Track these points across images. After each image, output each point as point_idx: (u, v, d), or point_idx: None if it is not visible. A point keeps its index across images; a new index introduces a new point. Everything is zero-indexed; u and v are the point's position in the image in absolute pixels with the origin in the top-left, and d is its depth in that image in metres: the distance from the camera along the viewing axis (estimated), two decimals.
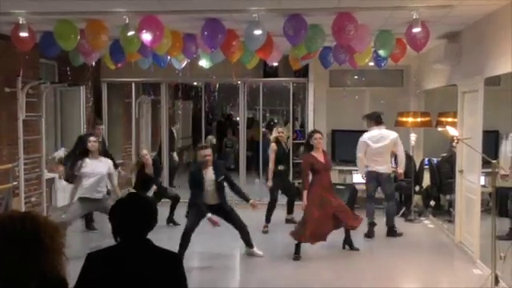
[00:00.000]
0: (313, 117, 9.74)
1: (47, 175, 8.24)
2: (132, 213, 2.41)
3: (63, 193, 8.50)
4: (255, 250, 6.56)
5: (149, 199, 2.54)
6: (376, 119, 7.76)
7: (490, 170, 5.08)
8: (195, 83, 11.42)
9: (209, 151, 6.42)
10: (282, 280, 5.88)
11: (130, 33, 5.84)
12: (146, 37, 5.64)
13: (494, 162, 5.00)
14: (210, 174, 6.31)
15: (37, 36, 6.32)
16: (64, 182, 8.54)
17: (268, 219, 7.91)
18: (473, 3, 5.28)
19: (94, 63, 8.10)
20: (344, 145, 9.45)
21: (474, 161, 6.30)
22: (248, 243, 6.54)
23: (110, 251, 2.40)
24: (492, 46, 5.76)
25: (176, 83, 11.42)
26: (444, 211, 8.60)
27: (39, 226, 2.22)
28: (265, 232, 7.75)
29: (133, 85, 10.18)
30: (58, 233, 2.26)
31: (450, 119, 8.08)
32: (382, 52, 6.71)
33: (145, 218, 2.42)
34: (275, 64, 8.71)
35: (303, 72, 9.45)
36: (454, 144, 7.21)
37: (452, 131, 5.81)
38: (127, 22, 5.76)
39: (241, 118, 10.14)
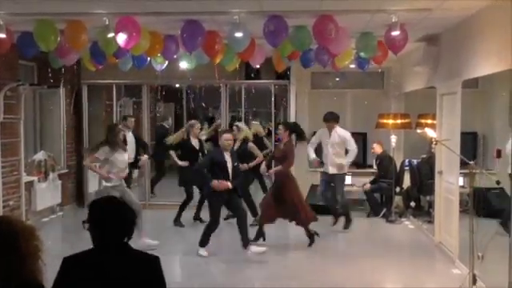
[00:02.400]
0: (295, 118, 9.77)
1: (26, 178, 8.12)
2: (115, 217, 2.36)
3: (42, 196, 8.40)
4: (254, 247, 6.50)
5: (126, 204, 2.50)
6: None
7: (468, 170, 5.15)
8: (177, 85, 11.36)
9: (230, 136, 6.75)
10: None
11: (110, 34, 5.80)
12: (121, 37, 5.59)
13: (471, 163, 5.08)
14: (229, 159, 6.57)
15: (14, 36, 6.23)
16: (43, 185, 8.44)
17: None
18: (450, 7, 5.37)
19: (74, 65, 8.03)
20: None
21: (452, 162, 6.39)
22: (244, 238, 6.47)
23: (88, 255, 2.36)
24: (469, 48, 5.85)
25: (158, 85, 11.35)
26: (424, 212, 8.70)
27: (15, 229, 2.19)
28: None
29: (114, 87, 10.10)
30: (34, 237, 2.24)
31: (429, 121, 8.20)
32: (363, 54, 6.76)
33: (126, 223, 2.39)
34: (257, 66, 8.73)
35: (285, 74, 9.49)
36: (432, 145, 7.32)
37: (430, 133, 5.90)
38: (107, 23, 5.71)
39: (223, 120, 10.14)
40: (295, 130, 7.28)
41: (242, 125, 8.49)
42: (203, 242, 6.61)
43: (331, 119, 7.94)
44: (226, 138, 6.60)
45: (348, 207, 7.99)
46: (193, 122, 8.68)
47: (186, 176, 8.14)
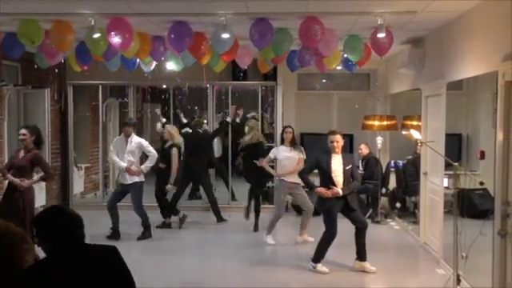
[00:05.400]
0: (281, 120, 9.79)
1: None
2: (69, 221, 2.37)
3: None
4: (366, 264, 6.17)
5: (68, 208, 2.52)
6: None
7: (452, 172, 5.19)
8: (164, 86, 11.32)
9: (338, 137, 6.06)
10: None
11: (96, 35, 5.76)
12: (116, 40, 5.56)
13: (455, 164, 5.13)
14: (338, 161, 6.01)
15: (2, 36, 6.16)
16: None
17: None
18: (435, 10, 5.42)
19: (59, 65, 7.94)
20: (312, 148, 9.54)
21: (437, 163, 6.45)
22: (360, 255, 6.14)
23: (51, 263, 2.30)
24: (454, 51, 5.92)
25: (144, 86, 11.30)
26: (409, 213, 8.77)
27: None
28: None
29: (100, 87, 10.02)
30: (23, 240, 2.24)
31: (414, 122, 8.26)
32: (351, 56, 6.81)
33: (79, 227, 2.40)
34: (245, 67, 8.73)
35: (272, 75, 9.50)
36: (418, 147, 7.38)
37: (415, 134, 5.94)
38: (93, 23, 5.68)
39: (210, 121, 10.12)
40: (39, 135, 6.15)
41: (170, 127, 8.42)
42: (318, 258, 6.10)
43: (129, 124, 7.56)
44: (331, 140, 6.06)
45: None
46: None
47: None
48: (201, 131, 8.78)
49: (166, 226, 8.21)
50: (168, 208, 8.27)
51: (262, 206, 8.29)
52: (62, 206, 2.59)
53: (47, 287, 2.22)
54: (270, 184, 9.97)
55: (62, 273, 2.26)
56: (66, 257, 2.29)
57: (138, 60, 7.30)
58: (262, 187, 8.38)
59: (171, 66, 7.69)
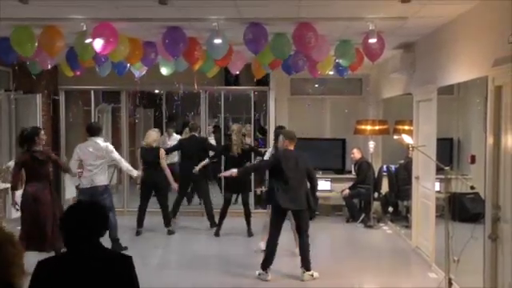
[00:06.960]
0: (274, 124, 9.80)
1: (1, 186, 7.96)
2: (85, 218, 2.41)
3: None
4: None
5: (99, 205, 2.55)
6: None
7: (444, 176, 5.23)
8: (156, 91, 11.31)
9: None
10: None
11: (88, 40, 5.75)
12: (97, 43, 5.55)
13: (447, 168, 5.16)
14: None
15: None
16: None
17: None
18: (426, 16, 5.47)
19: (51, 70, 7.90)
20: (305, 152, 9.56)
21: (429, 168, 6.49)
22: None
23: (62, 258, 2.42)
24: (444, 56, 5.97)
25: (137, 91, 11.27)
26: (402, 217, 8.80)
27: None
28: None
29: (92, 92, 9.99)
30: (11, 244, 2.23)
31: (406, 127, 8.31)
32: (342, 61, 6.85)
33: (97, 224, 2.44)
34: (236, 72, 8.75)
35: (264, 80, 9.52)
36: (409, 151, 7.42)
37: (407, 139, 5.97)
38: (85, 29, 5.67)
39: (202, 126, 10.11)
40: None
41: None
42: (309, 264, 6.05)
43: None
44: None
45: None
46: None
47: None
48: (197, 135, 8.74)
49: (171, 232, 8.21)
50: (167, 216, 8.22)
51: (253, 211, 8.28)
52: (88, 203, 2.61)
53: (49, 284, 2.30)
54: (263, 188, 10.03)
55: (67, 271, 2.33)
56: (74, 254, 2.37)
57: (128, 65, 7.29)
58: (249, 192, 8.32)
59: (163, 71, 7.69)
